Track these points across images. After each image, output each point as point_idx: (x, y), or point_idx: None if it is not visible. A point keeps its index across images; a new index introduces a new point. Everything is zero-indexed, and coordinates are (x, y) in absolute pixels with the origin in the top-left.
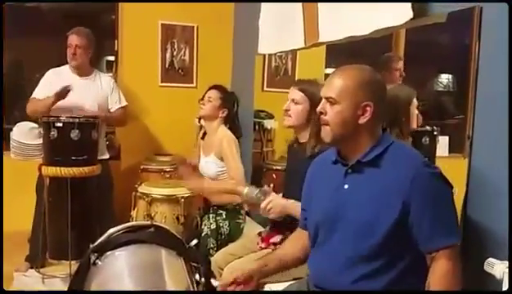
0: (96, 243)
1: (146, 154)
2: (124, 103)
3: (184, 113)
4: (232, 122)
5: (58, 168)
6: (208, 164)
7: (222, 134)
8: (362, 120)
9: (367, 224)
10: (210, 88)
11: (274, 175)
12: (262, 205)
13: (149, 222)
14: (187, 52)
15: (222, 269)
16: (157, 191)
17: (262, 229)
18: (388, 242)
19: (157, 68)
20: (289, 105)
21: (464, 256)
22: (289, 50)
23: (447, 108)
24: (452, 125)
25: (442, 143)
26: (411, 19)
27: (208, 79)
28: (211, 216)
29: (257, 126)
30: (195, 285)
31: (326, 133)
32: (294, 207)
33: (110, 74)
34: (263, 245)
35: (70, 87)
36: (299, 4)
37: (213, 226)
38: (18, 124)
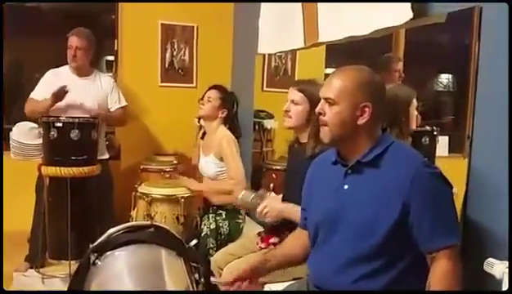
0: (95, 243)
1: (146, 154)
2: (124, 103)
3: (184, 113)
4: (232, 122)
5: (58, 168)
6: (208, 164)
7: (221, 134)
8: (361, 121)
9: (367, 225)
10: (210, 88)
11: (274, 175)
12: (258, 209)
13: (149, 222)
14: (187, 52)
15: (222, 269)
16: (157, 191)
17: (261, 230)
18: (388, 242)
19: (157, 68)
20: (289, 106)
21: (464, 255)
22: (289, 50)
23: (447, 108)
24: (452, 125)
25: (442, 143)
26: (411, 19)
27: (208, 79)
28: (211, 216)
29: (256, 126)
30: (194, 285)
31: (325, 134)
32: (290, 210)
33: (110, 74)
34: (263, 245)
35: (67, 88)
36: (299, 4)
37: (213, 226)
38: (18, 124)
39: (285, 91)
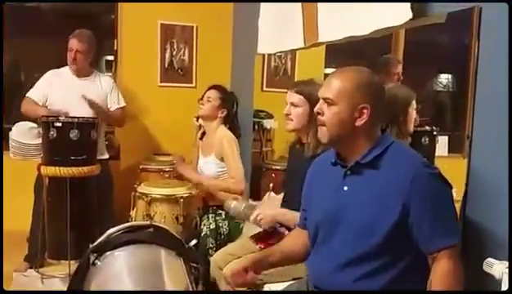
0: (95, 243)
1: (146, 154)
2: (123, 104)
3: (183, 113)
4: (232, 122)
5: (57, 168)
6: (208, 165)
7: (221, 134)
8: (359, 122)
9: (367, 225)
10: (209, 88)
11: (273, 175)
12: (251, 218)
13: (148, 222)
14: (187, 52)
15: (222, 269)
16: (156, 191)
17: (261, 229)
18: (388, 242)
19: (156, 68)
20: (289, 109)
21: (464, 255)
22: (289, 50)
23: (447, 108)
24: (452, 125)
25: (442, 143)
26: (411, 19)
27: (208, 79)
28: (210, 216)
29: (256, 126)
30: (194, 285)
31: (323, 134)
32: (283, 217)
33: (110, 74)
34: (262, 245)
35: (66, 113)
36: (299, 4)
37: (213, 226)
38: (17, 124)
39: (285, 91)
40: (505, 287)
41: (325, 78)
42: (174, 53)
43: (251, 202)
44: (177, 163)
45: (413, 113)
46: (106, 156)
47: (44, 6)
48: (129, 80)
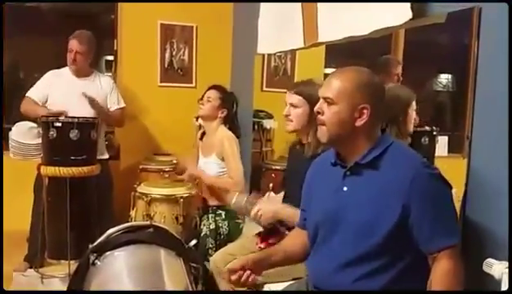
0: (95, 244)
1: (146, 154)
2: (122, 104)
3: (183, 113)
4: (231, 122)
5: (57, 168)
6: (209, 165)
7: (222, 134)
8: (359, 122)
9: (367, 225)
10: (209, 88)
11: (273, 175)
12: (252, 214)
13: (148, 222)
14: (186, 52)
15: (221, 270)
16: (156, 191)
17: (261, 229)
18: (388, 242)
19: (156, 68)
20: (289, 110)
21: (463, 256)
22: (289, 50)
23: (446, 108)
24: (451, 125)
25: (441, 143)
26: (411, 19)
27: (208, 79)
28: (210, 216)
29: (256, 126)
30: (193, 285)
31: (322, 133)
32: (284, 211)
33: (110, 74)
34: (262, 245)
35: (65, 113)
36: (299, 4)
37: (212, 226)
38: (17, 124)
39: (285, 91)
40: (504, 287)
41: (324, 78)
42: (174, 53)
43: (252, 196)
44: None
45: (413, 114)
46: (106, 156)
47: (44, 6)
48: (129, 80)
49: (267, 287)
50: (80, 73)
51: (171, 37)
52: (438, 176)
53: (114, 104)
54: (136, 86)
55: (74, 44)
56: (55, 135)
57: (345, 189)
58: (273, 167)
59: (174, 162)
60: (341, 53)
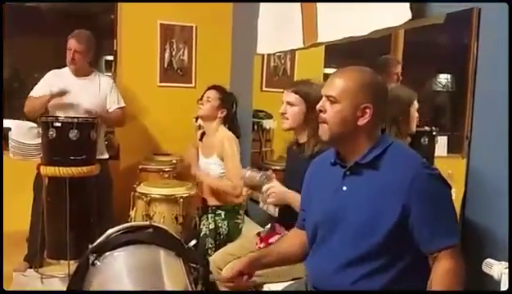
0: (95, 244)
1: (145, 154)
2: (122, 104)
3: (183, 113)
4: (231, 123)
5: (57, 168)
6: (211, 166)
7: (222, 134)
8: (361, 122)
9: (367, 225)
10: (209, 88)
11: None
12: (265, 188)
13: (147, 223)
14: (186, 52)
15: (221, 270)
16: (156, 191)
17: (260, 230)
18: (388, 242)
19: (156, 68)
20: (285, 108)
21: (463, 256)
22: (288, 50)
23: (446, 108)
24: (451, 125)
25: (441, 143)
26: (410, 19)
27: (207, 79)
28: (210, 216)
29: (255, 126)
30: (193, 285)
31: (324, 131)
32: (294, 196)
33: (109, 74)
34: (262, 245)
35: (67, 91)
36: (298, 4)
37: (212, 226)
38: (17, 124)
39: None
40: (504, 287)
41: (324, 79)
42: (174, 53)
43: (269, 172)
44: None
45: (415, 114)
46: (106, 156)
47: (44, 6)
48: (129, 80)
49: (266, 287)
50: (80, 73)
51: (170, 38)
52: (438, 177)
53: (114, 103)
54: (135, 86)
55: (72, 43)
56: (54, 135)
57: (345, 188)
58: (273, 167)
59: (174, 162)
60: (340, 53)
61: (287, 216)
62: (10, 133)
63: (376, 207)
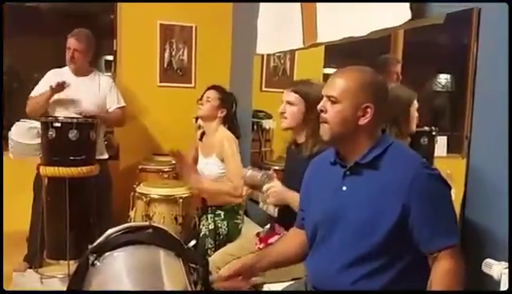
0: (94, 244)
1: (145, 154)
2: (122, 103)
3: (182, 113)
4: (231, 123)
5: (56, 168)
6: (210, 166)
7: (222, 134)
8: (362, 121)
9: (367, 225)
10: (209, 88)
11: None
12: (265, 187)
13: (147, 223)
14: (186, 52)
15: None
16: (155, 191)
17: (260, 230)
18: (387, 242)
19: (155, 68)
20: (285, 108)
21: (462, 256)
22: (288, 50)
23: (446, 108)
24: (450, 125)
25: (441, 143)
26: (410, 20)
27: (207, 79)
28: (209, 216)
29: (255, 127)
30: (193, 286)
31: (325, 131)
32: (293, 196)
33: (109, 74)
34: (262, 246)
35: (66, 83)
36: (298, 4)
37: (212, 226)
38: (16, 124)
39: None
40: (504, 287)
41: (324, 79)
42: (173, 53)
43: (270, 171)
44: (180, 165)
45: (415, 113)
46: (106, 156)
47: (44, 6)
48: (128, 80)
49: (266, 287)
50: (79, 72)
51: (170, 38)
52: (438, 177)
53: (113, 103)
54: (135, 86)
55: (71, 42)
56: (54, 135)
57: (344, 188)
58: (272, 167)
59: (173, 162)
60: (340, 53)
61: (286, 217)
62: (10, 133)
63: (376, 207)
